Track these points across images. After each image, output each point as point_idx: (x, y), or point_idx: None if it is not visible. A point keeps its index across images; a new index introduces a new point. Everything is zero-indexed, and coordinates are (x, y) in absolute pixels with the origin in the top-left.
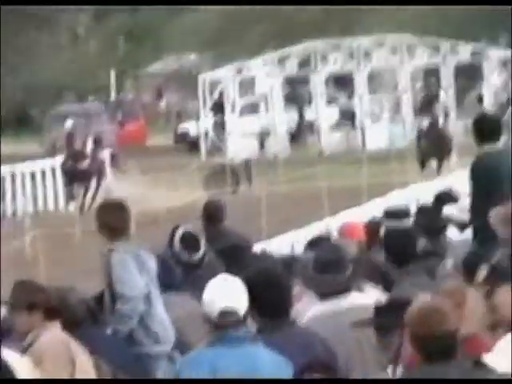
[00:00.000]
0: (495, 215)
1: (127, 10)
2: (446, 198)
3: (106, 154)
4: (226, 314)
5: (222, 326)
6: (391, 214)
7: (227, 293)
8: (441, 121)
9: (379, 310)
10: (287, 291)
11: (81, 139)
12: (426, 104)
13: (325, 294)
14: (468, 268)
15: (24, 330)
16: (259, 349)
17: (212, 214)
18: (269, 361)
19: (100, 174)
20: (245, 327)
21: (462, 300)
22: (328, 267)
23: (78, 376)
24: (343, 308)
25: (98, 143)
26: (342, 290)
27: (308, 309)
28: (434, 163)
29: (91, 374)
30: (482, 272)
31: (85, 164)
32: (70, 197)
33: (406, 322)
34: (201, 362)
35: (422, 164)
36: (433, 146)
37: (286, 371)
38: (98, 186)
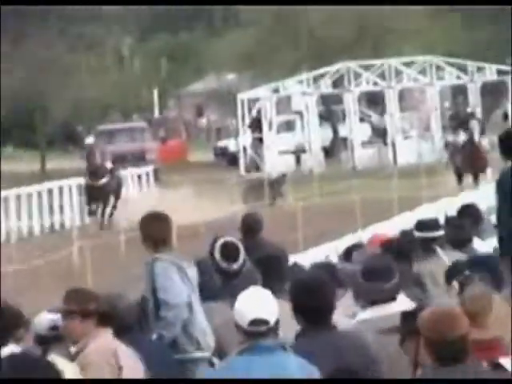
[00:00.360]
0: None
1: (169, 32)
2: (468, 211)
3: (129, 172)
4: (256, 323)
5: (253, 334)
6: (422, 226)
7: (258, 303)
8: (476, 136)
9: (406, 316)
10: (330, 297)
11: (101, 157)
12: (460, 121)
13: (374, 301)
14: (494, 277)
15: (76, 336)
16: (289, 357)
17: (250, 226)
18: (297, 368)
19: (117, 192)
20: (275, 336)
21: (488, 306)
22: (377, 275)
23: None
24: (391, 313)
25: (117, 161)
26: (390, 297)
27: (348, 315)
28: (470, 177)
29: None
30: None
31: (103, 181)
32: (89, 212)
33: (418, 326)
34: (234, 370)
35: (459, 178)
36: (469, 161)
37: (314, 377)
38: (116, 202)
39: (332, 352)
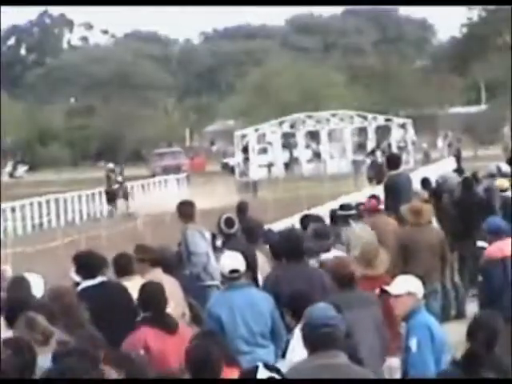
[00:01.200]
0: (405, 208)
1: (195, 96)
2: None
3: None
4: (232, 271)
5: (232, 278)
6: (343, 208)
7: (233, 260)
8: (379, 159)
9: None
10: (301, 242)
11: (115, 173)
12: (370, 150)
13: (319, 252)
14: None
15: (138, 272)
16: (253, 290)
17: (242, 208)
18: (259, 297)
19: (125, 196)
20: (245, 279)
21: (375, 253)
22: (321, 236)
23: (169, 298)
24: (329, 257)
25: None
26: (328, 249)
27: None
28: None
29: (178, 298)
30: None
31: (115, 188)
32: (110, 208)
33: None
34: (221, 299)
35: (370, 181)
36: (374, 173)
37: (269, 301)
38: (126, 201)
39: (303, 280)
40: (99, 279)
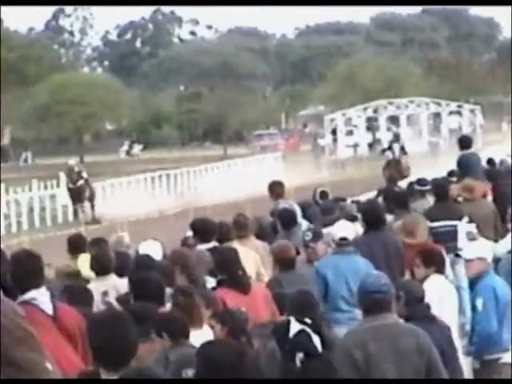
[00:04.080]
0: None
1: (290, 84)
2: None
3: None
4: (342, 239)
5: (340, 245)
6: (421, 182)
7: (343, 228)
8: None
9: None
10: (380, 212)
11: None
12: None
13: (327, 225)
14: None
15: (236, 238)
16: (358, 257)
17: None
18: (362, 263)
19: (91, 196)
20: (350, 246)
21: (417, 224)
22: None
23: (262, 261)
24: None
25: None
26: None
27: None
28: None
29: (267, 261)
30: None
31: (79, 185)
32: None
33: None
34: (329, 261)
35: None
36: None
37: (370, 268)
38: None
39: (381, 247)
40: (213, 243)
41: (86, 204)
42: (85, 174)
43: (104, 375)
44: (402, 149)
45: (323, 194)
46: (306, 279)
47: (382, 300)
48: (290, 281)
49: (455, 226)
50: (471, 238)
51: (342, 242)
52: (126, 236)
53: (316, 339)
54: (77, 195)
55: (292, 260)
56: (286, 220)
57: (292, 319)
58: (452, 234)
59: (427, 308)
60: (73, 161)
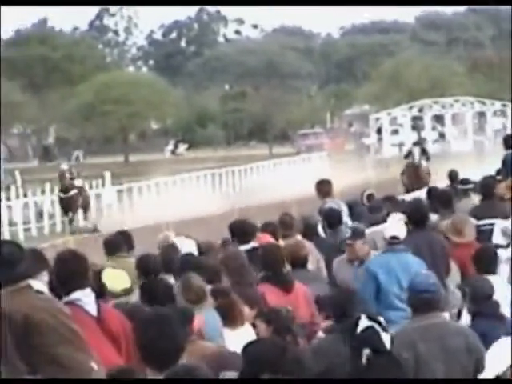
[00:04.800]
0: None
1: (334, 83)
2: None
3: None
4: (393, 238)
5: (391, 243)
6: (464, 182)
7: (395, 227)
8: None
9: None
10: (425, 211)
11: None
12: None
13: (373, 224)
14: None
15: (282, 238)
16: (408, 255)
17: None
18: (415, 262)
19: (85, 204)
20: (402, 245)
21: (465, 224)
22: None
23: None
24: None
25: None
26: (383, 221)
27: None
28: None
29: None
30: None
31: (71, 194)
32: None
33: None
34: (379, 259)
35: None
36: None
37: (422, 266)
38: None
39: (426, 246)
40: (252, 244)
41: (79, 213)
42: (78, 181)
43: (150, 375)
44: (425, 153)
45: (370, 197)
46: (316, 277)
47: (430, 299)
48: (301, 279)
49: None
50: (506, 233)
51: (393, 241)
52: (172, 235)
53: (385, 337)
54: (67, 205)
55: (303, 258)
56: (332, 219)
57: (362, 316)
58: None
59: (496, 305)
60: (65, 166)
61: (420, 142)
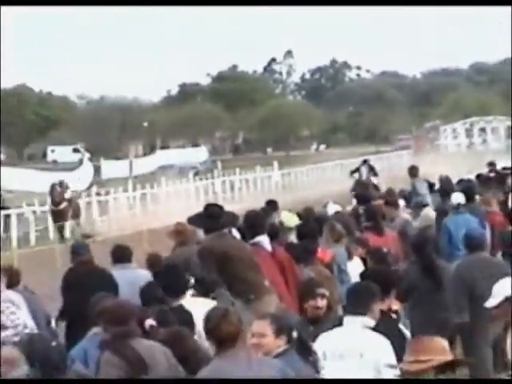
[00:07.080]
0: None
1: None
2: None
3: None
4: (458, 204)
5: (456, 207)
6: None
7: (459, 197)
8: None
9: None
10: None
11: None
12: None
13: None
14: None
15: None
16: (467, 215)
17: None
18: (470, 219)
19: (75, 214)
20: (464, 209)
21: None
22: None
23: None
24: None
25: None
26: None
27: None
28: None
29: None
30: None
31: (62, 207)
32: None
33: None
34: (452, 219)
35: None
36: None
37: (475, 222)
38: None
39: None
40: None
41: (69, 223)
42: (68, 194)
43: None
44: (372, 169)
45: (441, 179)
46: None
47: (478, 242)
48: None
49: None
50: None
51: (458, 206)
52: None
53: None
54: (58, 217)
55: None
56: (448, 187)
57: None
58: None
59: None
60: (56, 181)
61: (366, 161)
